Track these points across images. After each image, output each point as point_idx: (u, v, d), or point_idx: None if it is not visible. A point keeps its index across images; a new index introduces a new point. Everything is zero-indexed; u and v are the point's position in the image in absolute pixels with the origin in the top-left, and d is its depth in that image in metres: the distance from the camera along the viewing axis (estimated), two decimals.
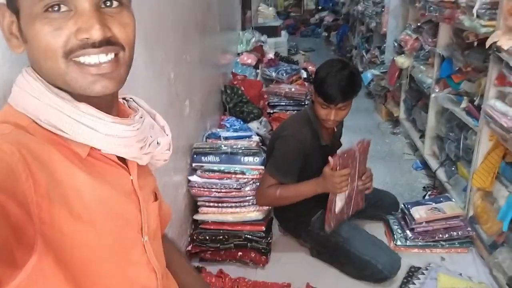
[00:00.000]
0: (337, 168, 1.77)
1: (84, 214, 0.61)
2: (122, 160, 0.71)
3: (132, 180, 0.73)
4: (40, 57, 0.59)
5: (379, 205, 2.33)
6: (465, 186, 2.40)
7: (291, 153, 1.87)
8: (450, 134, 2.72)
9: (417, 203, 2.33)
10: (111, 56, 0.61)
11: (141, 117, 0.73)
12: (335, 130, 2.08)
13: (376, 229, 2.23)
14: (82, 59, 0.59)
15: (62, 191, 0.59)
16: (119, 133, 0.64)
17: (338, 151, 1.93)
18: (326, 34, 9.06)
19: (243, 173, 2.10)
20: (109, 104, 0.68)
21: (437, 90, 2.83)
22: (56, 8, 0.57)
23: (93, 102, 0.63)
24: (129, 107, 0.78)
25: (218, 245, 2.06)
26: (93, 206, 0.63)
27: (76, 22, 0.58)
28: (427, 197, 2.75)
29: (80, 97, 0.62)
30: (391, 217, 2.33)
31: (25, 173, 0.53)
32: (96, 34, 0.57)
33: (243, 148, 2.16)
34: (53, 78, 0.61)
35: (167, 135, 0.81)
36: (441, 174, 2.83)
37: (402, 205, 2.34)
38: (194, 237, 2.08)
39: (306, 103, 3.61)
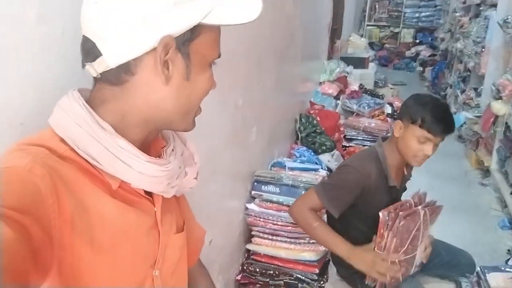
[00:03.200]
0: (384, 246, 1.58)
1: (106, 242, 0.62)
2: (148, 192, 0.72)
3: (156, 212, 0.73)
4: (193, 95, 0.68)
5: (453, 265, 2.10)
6: None
7: (347, 183, 1.74)
8: None
9: (497, 269, 2.07)
10: None
11: (173, 150, 0.74)
12: (406, 173, 1.92)
13: None
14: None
15: (88, 219, 0.60)
16: (151, 173, 0.66)
17: (382, 215, 1.71)
18: (421, 69, 8.67)
19: None
20: (150, 139, 0.72)
21: None
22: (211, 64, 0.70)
23: (135, 138, 0.67)
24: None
25: (268, 280, 2.00)
26: (115, 235, 0.64)
27: (210, 75, 0.70)
28: (510, 262, 2.44)
29: (121, 131, 0.64)
30: (464, 280, 2.08)
31: (52, 198, 0.55)
32: (214, 87, 0.72)
33: (305, 181, 2.09)
34: (167, 115, 0.68)
35: (195, 163, 0.81)
36: None
37: (479, 268, 2.08)
38: (245, 267, 2.04)
39: None
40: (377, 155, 1.81)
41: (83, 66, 0.65)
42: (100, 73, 0.64)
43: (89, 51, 0.63)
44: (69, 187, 0.58)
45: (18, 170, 0.54)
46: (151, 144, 0.74)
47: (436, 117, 1.63)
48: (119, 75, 0.63)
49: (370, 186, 1.75)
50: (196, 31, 0.64)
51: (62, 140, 0.62)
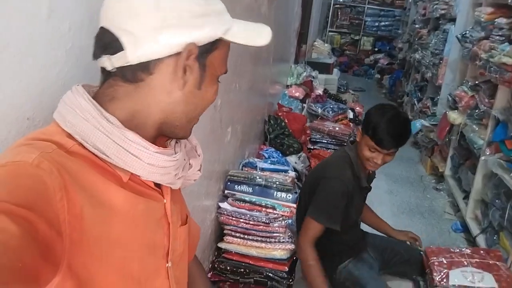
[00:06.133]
0: None
1: (115, 233, 0.63)
2: (157, 184, 0.73)
3: (165, 204, 0.75)
4: (201, 104, 0.72)
5: (411, 262, 2.22)
6: (506, 259, 2.25)
7: (336, 195, 1.82)
8: (496, 201, 2.58)
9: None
10: None
11: (177, 142, 0.77)
12: (371, 173, 2.02)
13: None
14: None
15: (100, 212, 0.61)
16: (160, 163, 0.68)
17: None
18: (379, 76, 8.97)
19: (274, 208, 2.06)
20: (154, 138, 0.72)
21: (487, 153, 2.71)
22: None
23: (149, 133, 0.69)
24: None
25: (238, 277, 2.01)
26: (125, 226, 0.65)
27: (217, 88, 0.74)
28: None
29: (128, 125, 0.65)
30: (421, 279, 2.21)
31: (61, 193, 0.55)
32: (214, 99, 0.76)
33: (277, 182, 2.13)
34: (174, 120, 0.70)
35: (198, 155, 0.83)
36: (481, 241, 2.68)
37: None
38: (215, 265, 2.05)
39: None
40: (350, 159, 1.89)
41: (96, 57, 0.65)
42: (116, 68, 0.64)
43: (109, 44, 0.63)
44: (78, 181, 0.58)
45: (25, 165, 0.54)
46: (155, 140, 0.74)
47: (386, 132, 1.72)
48: (136, 73, 0.64)
49: (351, 189, 1.83)
50: (215, 44, 0.68)
51: (69, 136, 0.62)
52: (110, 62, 0.63)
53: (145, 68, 0.64)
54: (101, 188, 0.62)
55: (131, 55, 0.62)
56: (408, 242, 2.23)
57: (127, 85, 0.65)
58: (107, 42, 0.63)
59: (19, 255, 0.46)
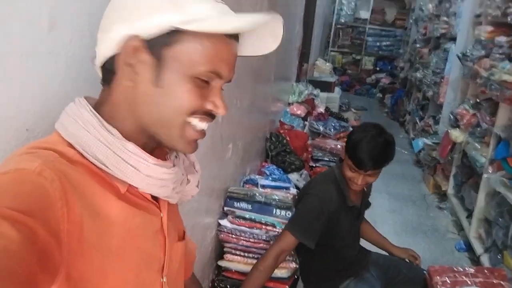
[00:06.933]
0: None
1: (114, 245, 0.63)
2: (154, 197, 0.73)
3: (162, 218, 0.74)
4: (165, 105, 0.64)
5: (414, 282, 2.18)
6: (510, 278, 2.21)
7: (313, 212, 1.78)
8: (500, 219, 2.55)
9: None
10: (206, 126, 0.69)
11: (176, 156, 0.76)
12: (365, 189, 1.99)
13: None
14: (194, 123, 0.67)
15: (98, 222, 0.61)
16: (158, 175, 0.67)
17: None
18: (381, 96, 9.02)
19: (274, 225, 2.04)
20: (152, 147, 0.72)
21: (490, 171, 2.69)
22: (203, 79, 0.65)
23: (142, 142, 0.68)
24: None
25: None
26: (123, 238, 0.64)
27: (211, 96, 0.67)
28: None
29: (128, 136, 0.65)
30: None
31: (61, 201, 0.54)
32: (221, 111, 0.67)
33: (277, 199, 2.12)
34: (148, 123, 0.66)
35: (196, 171, 0.82)
36: (485, 261, 2.64)
37: None
38: (216, 284, 2.02)
39: None
40: (334, 177, 1.87)
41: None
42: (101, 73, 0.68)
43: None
44: (79, 190, 0.58)
45: (27, 172, 0.54)
46: (154, 151, 0.73)
47: (363, 152, 1.67)
48: (106, 75, 0.67)
49: (333, 208, 1.80)
50: (174, 36, 0.62)
51: (70, 145, 0.63)
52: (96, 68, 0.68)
53: (109, 68, 0.65)
54: (100, 198, 0.62)
55: (98, 56, 0.66)
56: (407, 260, 2.19)
57: (105, 89, 0.68)
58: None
59: (18, 261, 0.46)
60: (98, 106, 0.67)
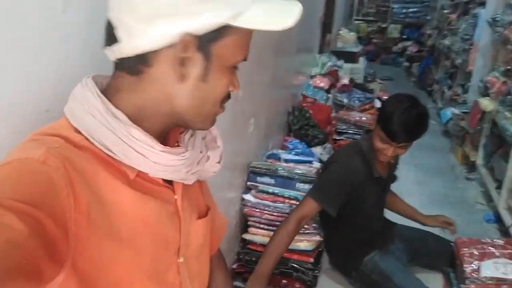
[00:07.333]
0: None
1: (125, 233, 0.62)
2: (168, 180, 0.71)
3: (176, 199, 0.73)
4: (208, 97, 0.65)
5: (440, 253, 2.17)
6: None
7: (336, 180, 1.79)
8: None
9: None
10: None
11: (192, 135, 0.73)
12: (391, 162, 1.96)
13: (433, 282, 2.06)
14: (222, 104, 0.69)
15: (106, 210, 0.60)
16: (166, 162, 0.65)
17: None
18: (408, 64, 8.77)
19: (297, 199, 2.05)
20: (169, 128, 0.70)
21: None
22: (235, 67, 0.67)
23: (153, 128, 0.65)
24: None
25: None
26: (135, 226, 0.64)
27: (230, 79, 0.67)
28: None
29: (136, 122, 0.63)
30: (451, 271, 2.15)
31: (67, 189, 0.54)
32: (237, 90, 0.70)
33: (300, 173, 2.12)
34: (183, 113, 0.66)
35: (218, 146, 0.80)
36: None
37: None
38: (241, 256, 2.07)
39: None
40: (360, 148, 1.85)
41: (103, 48, 0.64)
42: (118, 60, 0.62)
43: (111, 35, 0.61)
44: (85, 178, 0.57)
45: (31, 161, 0.53)
46: (170, 131, 0.72)
47: (398, 124, 1.64)
48: (136, 65, 0.61)
49: (358, 179, 1.79)
50: (222, 32, 0.61)
51: (77, 130, 0.61)
52: (112, 53, 0.62)
53: (143, 60, 0.61)
54: (108, 185, 0.61)
55: (126, 47, 0.60)
56: (442, 229, 2.14)
57: (130, 77, 0.63)
58: (110, 33, 0.61)
59: (26, 254, 0.46)
60: (114, 91, 0.64)
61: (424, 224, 2.16)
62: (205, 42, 0.60)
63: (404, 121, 1.65)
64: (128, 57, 0.61)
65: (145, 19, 0.58)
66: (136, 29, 0.59)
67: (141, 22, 0.58)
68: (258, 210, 2.07)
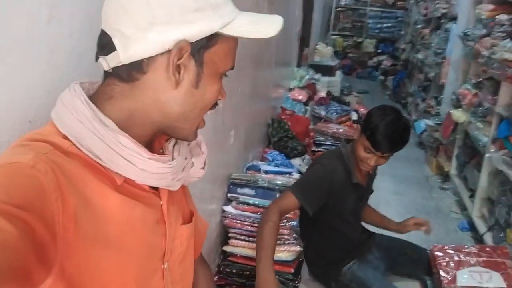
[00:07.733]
0: None
1: (112, 237, 0.62)
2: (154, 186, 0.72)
3: (162, 205, 0.74)
4: (198, 103, 0.68)
5: (418, 263, 2.21)
6: None
7: (317, 179, 1.83)
8: (502, 198, 2.57)
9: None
10: None
11: (177, 143, 0.75)
12: (370, 172, 2.01)
13: None
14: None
15: (93, 215, 0.60)
16: (154, 170, 0.66)
17: None
18: (383, 78, 8.96)
19: None
20: (156, 136, 0.72)
21: (492, 150, 2.70)
22: (225, 74, 0.71)
23: (141, 135, 0.67)
24: None
25: (244, 280, 2.01)
26: (122, 230, 0.64)
27: (220, 86, 0.71)
28: None
29: (126, 129, 0.64)
30: (428, 278, 2.19)
31: (56, 194, 0.54)
32: (224, 99, 0.73)
33: (280, 184, 2.13)
34: (173, 119, 0.68)
35: (202, 152, 0.81)
36: (488, 239, 2.66)
37: None
38: (221, 269, 2.05)
39: None
40: (341, 154, 1.90)
41: (96, 59, 0.65)
42: (112, 68, 0.63)
43: (105, 45, 0.63)
44: (73, 183, 0.58)
45: (21, 166, 0.53)
46: (155, 138, 0.74)
47: (382, 135, 1.69)
48: (130, 72, 0.63)
49: (337, 181, 1.82)
50: (213, 39, 0.64)
51: (65, 136, 0.61)
52: (106, 62, 0.63)
53: (138, 67, 0.63)
54: (95, 190, 0.61)
55: (122, 55, 0.61)
56: (421, 231, 2.14)
57: (123, 85, 0.64)
58: (104, 43, 0.63)
59: (16, 256, 0.46)
60: (104, 98, 0.65)
61: (398, 232, 2.19)
62: (197, 49, 0.64)
63: (389, 132, 1.70)
64: (123, 65, 0.63)
65: (141, 27, 0.60)
66: (133, 37, 0.61)
67: (137, 30, 0.61)
68: (238, 221, 2.06)
